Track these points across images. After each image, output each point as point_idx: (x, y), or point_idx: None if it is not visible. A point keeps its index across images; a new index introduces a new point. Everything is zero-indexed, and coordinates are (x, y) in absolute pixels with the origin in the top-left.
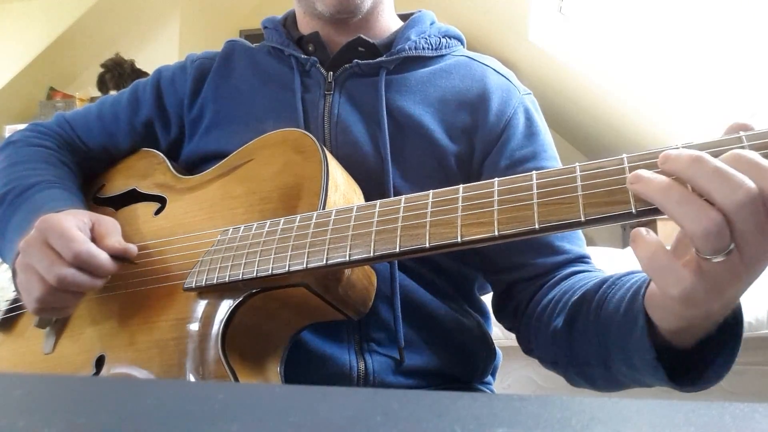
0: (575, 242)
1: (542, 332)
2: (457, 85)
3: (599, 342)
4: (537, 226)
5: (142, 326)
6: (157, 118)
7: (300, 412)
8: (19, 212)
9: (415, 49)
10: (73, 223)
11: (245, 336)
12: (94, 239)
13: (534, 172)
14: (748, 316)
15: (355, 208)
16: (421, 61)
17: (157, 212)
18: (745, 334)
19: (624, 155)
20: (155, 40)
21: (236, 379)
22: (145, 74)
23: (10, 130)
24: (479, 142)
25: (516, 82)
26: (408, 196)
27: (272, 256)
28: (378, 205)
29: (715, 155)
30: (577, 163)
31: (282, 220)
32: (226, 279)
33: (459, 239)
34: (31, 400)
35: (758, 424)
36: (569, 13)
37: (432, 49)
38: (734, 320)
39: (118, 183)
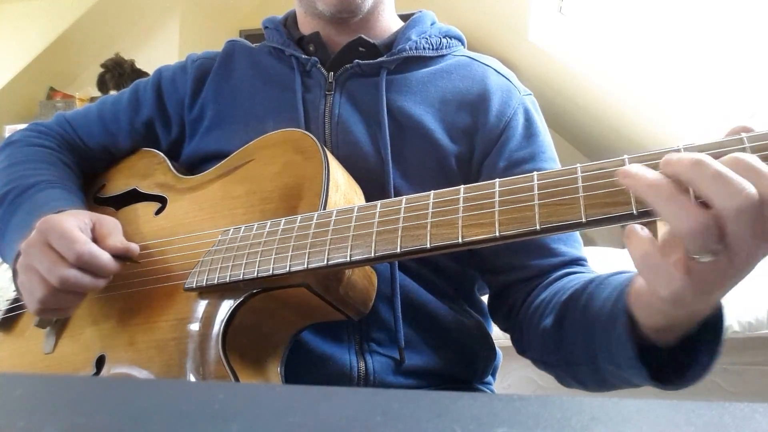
0: (572, 244)
1: (533, 332)
2: (457, 86)
3: (586, 341)
4: (538, 227)
5: (142, 326)
6: (158, 118)
7: (300, 412)
8: (19, 212)
9: (416, 49)
10: (75, 224)
11: (246, 336)
12: (95, 239)
13: (535, 172)
14: (748, 316)
15: (356, 208)
16: (422, 62)
17: (158, 212)
18: (745, 334)
19: (625, 156)
20: (155, 40)
21: (237, 379)
22: (145, 74)
23: (10, 130)
24: (479, 142)
25: (516, 83)
26: (409, 196)
27: (273, 257)
28: (379, 206)
29: (717, 156)
30: (578, 164)
31: (283, 221)
32: (227, 279)
33: (460, 240)
34: (31, 400)
35: (758, 424)
36: (569, 13)
37: (432, 50)
38: (714, 318)
39: (118, 183)
